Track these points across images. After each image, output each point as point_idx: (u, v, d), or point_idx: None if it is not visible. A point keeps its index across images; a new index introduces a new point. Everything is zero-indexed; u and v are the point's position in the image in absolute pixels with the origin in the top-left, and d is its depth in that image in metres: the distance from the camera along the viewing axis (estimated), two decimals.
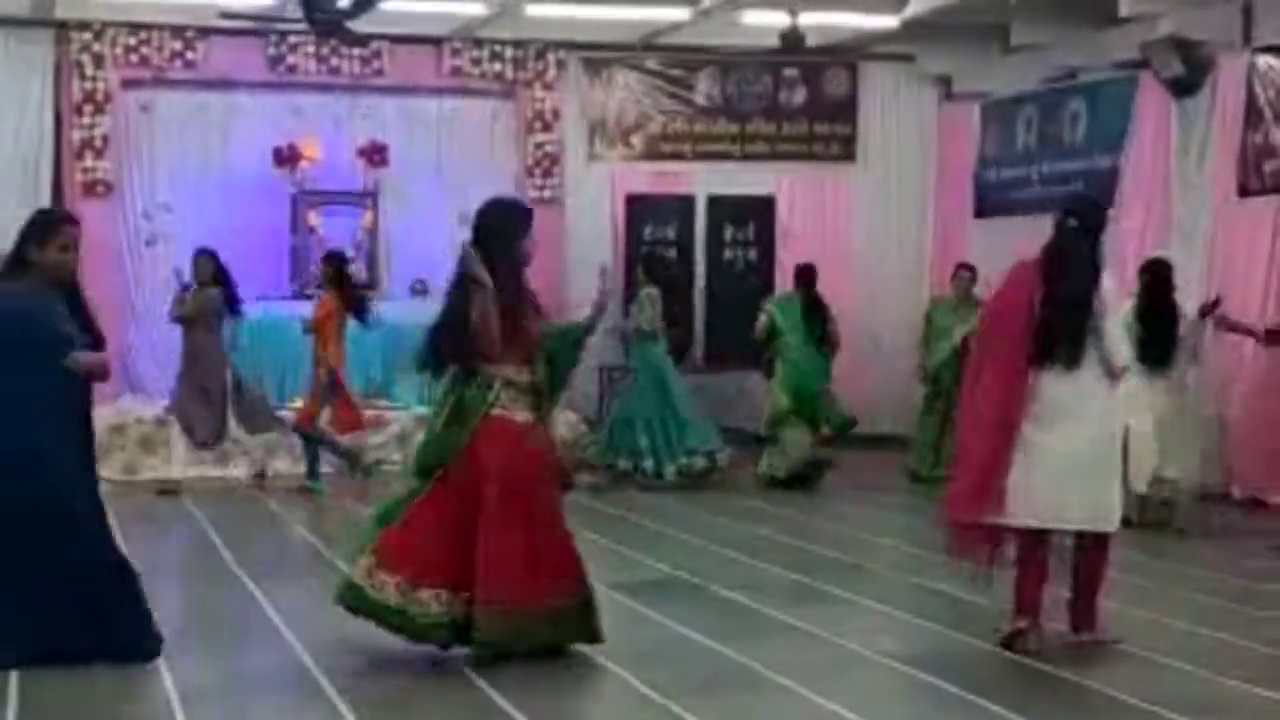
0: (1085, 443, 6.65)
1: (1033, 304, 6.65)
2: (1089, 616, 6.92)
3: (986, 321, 7.05)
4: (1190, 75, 12.33)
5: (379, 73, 14.80)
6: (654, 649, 6.73)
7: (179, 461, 12.36)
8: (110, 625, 6.46)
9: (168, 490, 12.08)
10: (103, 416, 13.08)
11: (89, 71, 14.03)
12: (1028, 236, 13.39)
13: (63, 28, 14.07)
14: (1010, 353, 6.67)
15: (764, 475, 12.66)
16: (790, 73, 15.93)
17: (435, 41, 14.91)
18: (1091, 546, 6.87)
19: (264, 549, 9.97)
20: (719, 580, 8.52)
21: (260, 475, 12.85)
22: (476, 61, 15.06)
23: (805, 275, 12.99)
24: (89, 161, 14.06)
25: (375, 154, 14.81)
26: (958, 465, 6.99)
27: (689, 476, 12.53)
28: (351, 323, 12.44)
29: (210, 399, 12.10)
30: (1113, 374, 6.69)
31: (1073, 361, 6.62)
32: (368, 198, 14.81)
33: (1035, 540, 6.75)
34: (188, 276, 12.22)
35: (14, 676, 6.35)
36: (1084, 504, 6.70)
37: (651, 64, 15.66)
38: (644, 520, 10.91)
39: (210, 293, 12.04)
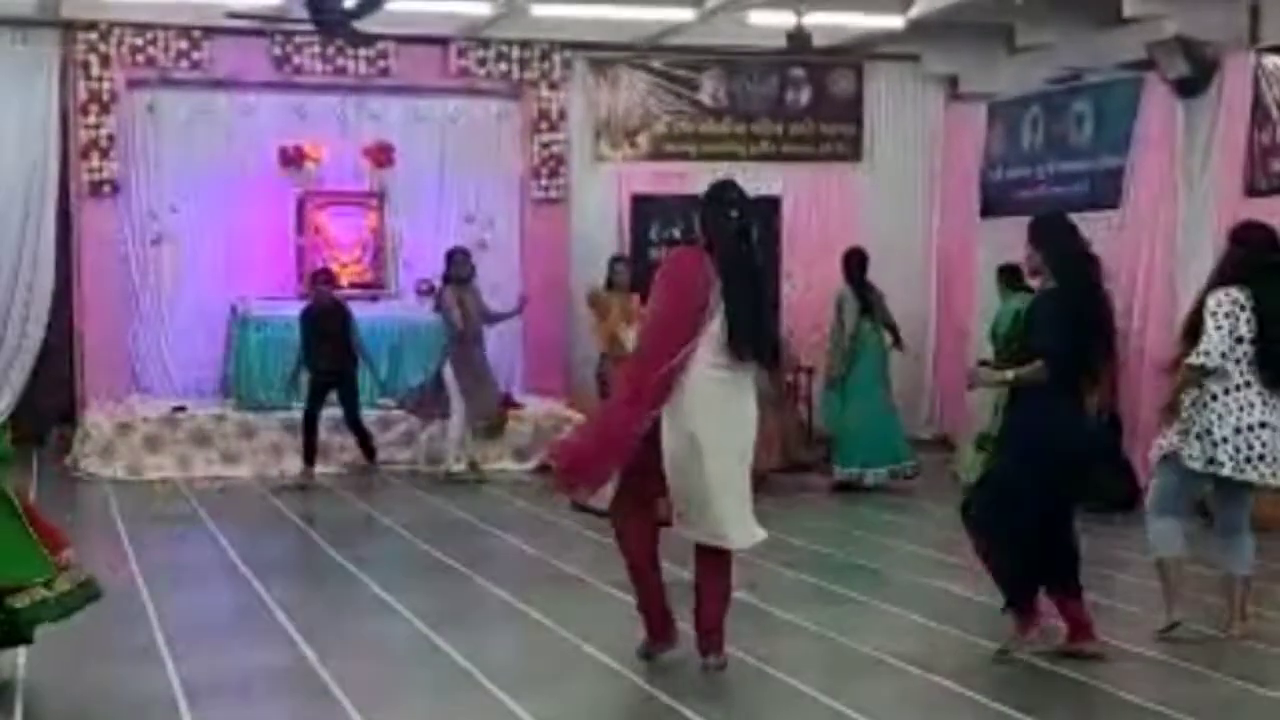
0: None
1: None
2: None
3: None
4: (1196, 75, 12.30)
5: (385, 73, 14.78)
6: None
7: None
8: None
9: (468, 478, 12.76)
10: (109, 415, 13.21)
11: (95, 71, 14.01)
12: None
13: (68, 28, 14.06)
14: None
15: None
16: (796, 73, 15.91)
17: (441, 41, 14.89)
18: None
19: (270, 546, 9.99)
20: None
21: (474, 465, 13.04)
22: (482, 62, 15.04)
23: (854, 262, 12.69)
24: (95, 161, 14.04)
25: (381, 154, 14.81)
26: None
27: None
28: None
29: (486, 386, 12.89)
30: None
31: None
32: (373, 198, 14.81)
33: None
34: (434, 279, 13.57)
35: (19, 675, 6.36)
36: None
37: (657, 64, 15.65)
38: None
39: (475, 287, 13.01)
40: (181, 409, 13.48)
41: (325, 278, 13.28)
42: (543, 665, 6.73)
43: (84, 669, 6.62)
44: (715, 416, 6.37)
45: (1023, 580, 6.76)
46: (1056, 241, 6.91)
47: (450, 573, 8.93)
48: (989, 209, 15.22)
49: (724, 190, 6.66)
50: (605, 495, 6.53)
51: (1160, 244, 12.59)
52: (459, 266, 12.95)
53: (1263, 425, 6.91)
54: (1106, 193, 13.46)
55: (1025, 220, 13.96)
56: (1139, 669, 6.73)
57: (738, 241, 6.49)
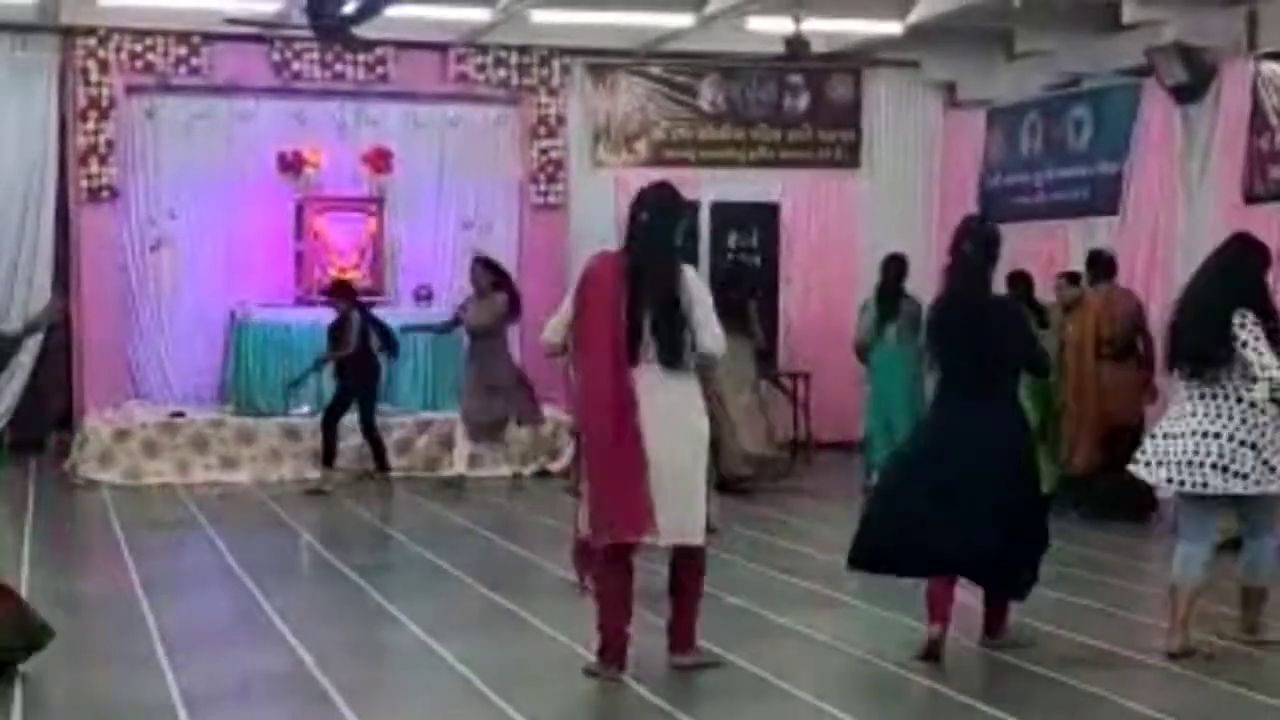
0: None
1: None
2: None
3: None
4: (1194, 81, 12.31)
5: (384, 79, 14.79)
6: (657, 655, 6.72)
7: (461, 461, 12.89)
8: None
9: (452, 484, 12.70)
10: (108, 421, 13.21)
11: (94, 77, 14.02)
12: (1033, 243, 13.58)
13: (67, 33, 14.06)
14: None
15: None
16: (795, 79, 15.93)
17: (440, 47, 14.89)
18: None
19: (269, 552, 9.98)
20: (722, 585, 8.49)
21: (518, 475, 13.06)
22: (481, 68, 15.05)
23: (885, 268, 12.53)
24: (93, 167, 14.05)
25: (379, 160, 14.79)
26: None
27: None
28: None
29: (498, 398, 12.71)
30: None
31: None
32: (372, 204, 14.79)
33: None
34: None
35: (18, 678, 6.36)
36: None
37: (656, 70, 15.66)
38: None
39: (497, 299, 12.74)
40: (180, 414, 13.48)
41: (345, 289, 13.31)
42: (541, 670, 6.72)
43: (84, 677, 6.62)
44: (661, 420, 6.37)
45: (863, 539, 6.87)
46: (972, 245, 6.97)
47: (448, 578, 8.93)
48: (987, 216, 15.18)
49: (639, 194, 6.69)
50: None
51: (1160, 250, 12.60)
52: (473, 275, 12.92)
53: (1206, 435, 6.62)
54: (1105, 199, 13.48)
55: (1024, 227, 14.14)
56: (1138, 675, 6.72)
57: (644, 242, 6.51)
